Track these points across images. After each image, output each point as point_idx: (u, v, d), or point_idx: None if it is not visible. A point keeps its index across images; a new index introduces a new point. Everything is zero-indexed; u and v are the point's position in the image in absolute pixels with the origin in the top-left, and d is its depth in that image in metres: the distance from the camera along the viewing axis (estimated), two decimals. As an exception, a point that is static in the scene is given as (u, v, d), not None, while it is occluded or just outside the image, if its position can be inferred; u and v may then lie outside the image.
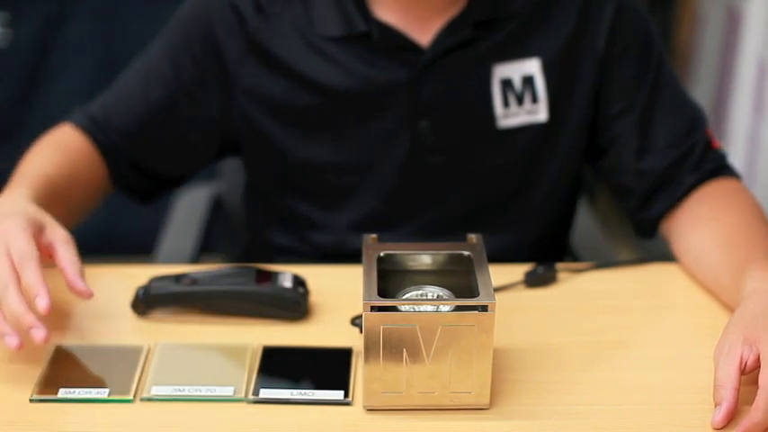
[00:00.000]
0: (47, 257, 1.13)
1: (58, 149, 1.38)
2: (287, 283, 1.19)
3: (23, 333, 1.05)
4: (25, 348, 1.14)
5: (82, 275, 1.12)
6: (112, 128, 1.41)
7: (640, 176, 1.37)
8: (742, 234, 1.24)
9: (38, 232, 1.13)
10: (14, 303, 1.05)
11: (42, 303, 1.05)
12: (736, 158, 2.74)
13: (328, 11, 1.33)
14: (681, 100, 1.41)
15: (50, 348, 1.13)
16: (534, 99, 1.36)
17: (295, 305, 1.18)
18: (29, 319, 1.04)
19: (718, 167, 1.37)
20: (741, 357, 1.03)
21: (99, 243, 2.53)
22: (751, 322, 1.06)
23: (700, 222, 1.30)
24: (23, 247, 1.08)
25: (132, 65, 1.46)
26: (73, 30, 2.50)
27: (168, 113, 1.41)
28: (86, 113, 1.43)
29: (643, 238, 1.42)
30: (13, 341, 1.05)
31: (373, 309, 0.99)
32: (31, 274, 1.07)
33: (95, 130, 1.41)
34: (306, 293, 1.20)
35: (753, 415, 1.00)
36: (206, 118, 1.41)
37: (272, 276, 1.20)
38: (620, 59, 1.37)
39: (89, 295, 1.12)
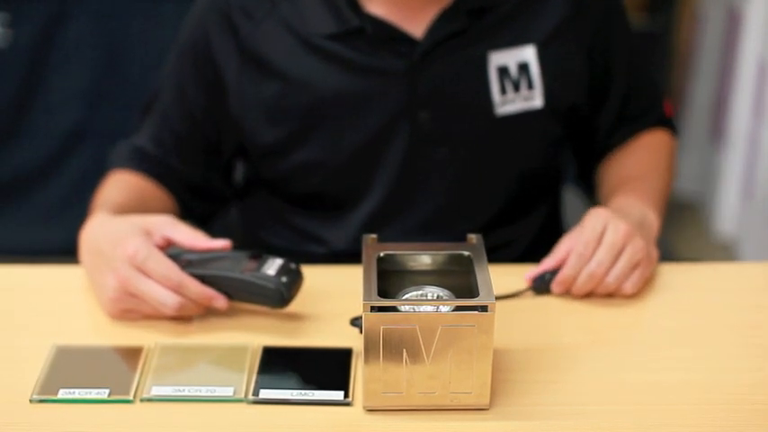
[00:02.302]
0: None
1: (122, 185, 1.40)
2: (271, 270, 1.17)
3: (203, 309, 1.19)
4: (25, 348, 1.14)
5: (206, 239, 1.21)
6: (158, 159, 1.43)
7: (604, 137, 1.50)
8: (640, 175, 1.43)
9: (150, 238, 1.19)
10: (196, 292, 1.16)
11: (221, 303, 1.17)
12: (736, 158, 2.74)
13: (318, 9, 1.34)
14: (645, 63, 1.52)
15: (50, 348, 1.13)
16: (530, 85, 1.37)
17: (275, 294, 1.16)
18: (209, 293, 1.17)
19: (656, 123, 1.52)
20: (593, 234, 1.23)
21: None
22: (612, 211, 1.27)
23: (615, 162, 1.49)
24: (169, 272, 1.16)
25: (152, 96, 1.47)
26: (73, 30, 2.49)
27: (196, 135, 1.43)
28: (127, 154, 1.44)
29: (585, 190, 1.58)
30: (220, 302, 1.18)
31: (373, 309, 0.99)
32: (192, 291, 1.16)
33: (145, 164, 1.43)
34: (290, 282, 1.17)
35: (564, 271, 1.22)
36: (228, 126, 1.42)
37: (258, 262, 1.18)
38: (603, 31, 1.41)
39: (228, 246, 1.21)
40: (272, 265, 1.17)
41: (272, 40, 1.35)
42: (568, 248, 1.24)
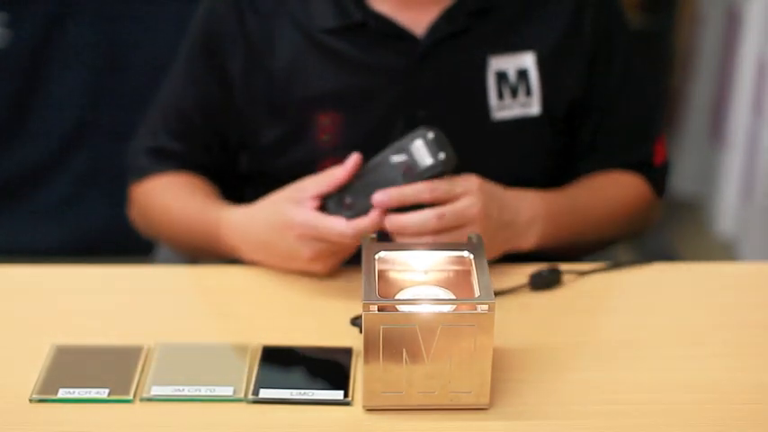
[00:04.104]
0: None
1: (182, 188, 1.42)
2: (427, 159, 1.19)
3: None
4: (25, 348, 1.14)
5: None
6: (182, 154, 1.44)
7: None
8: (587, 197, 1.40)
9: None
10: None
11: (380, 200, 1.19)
12: (735, 158, 2.74)
13: (324, 4, 1.35)
14: (642, 98, 1.48)
15: (50, 348, 1.13)
16: (528, 92, 1.37)
17: (448, 170, 1.19)
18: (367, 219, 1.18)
19: (639, 166, 1.46)
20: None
21: (99, 243, 2.54)
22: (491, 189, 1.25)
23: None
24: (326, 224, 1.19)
25: (162, 93, 1.47)
26: (73, 29, 2.49)
27: (209, 125, 1.44)
28: (151, 159, 1.44)
29: None
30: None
31: (373, 309, 0.99)
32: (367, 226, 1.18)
33: (172, 162, 1.44)
34: (448, 152, 1.19)
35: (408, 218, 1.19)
36: (234, 120, 1.42)
37: (407, 156, 1.19)
38: (603, 50, 1.41)
39: (358, 159, 1.22)
40: (420, 151, 1.19)
41: (278, 35, 1.36)
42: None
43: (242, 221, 1.29)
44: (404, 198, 1.20)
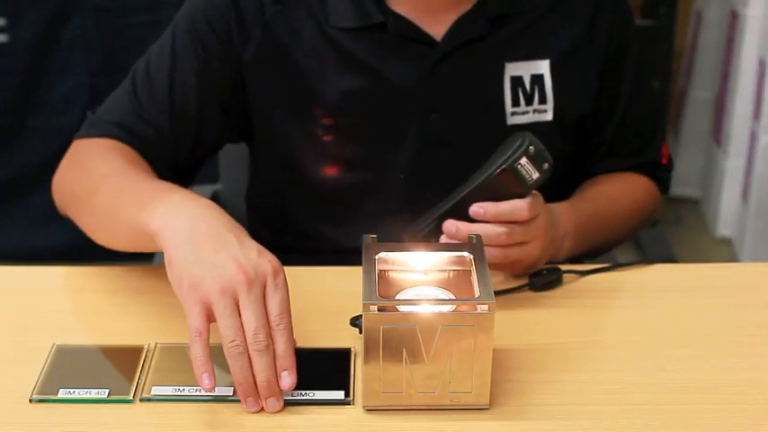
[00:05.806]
0: None
1: (121, 156, 1.33)
2: (534, 174, 1.18)
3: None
4: (25, 348, 1.14)
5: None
6: (147, 134, 1.37)
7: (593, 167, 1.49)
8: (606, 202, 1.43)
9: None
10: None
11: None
12: (736, 158, 2.75)
13: (343, 2, 1.34)
14: (650, 103, 1.51)
15: (50, 348, 1.13)
16: (542, 99, 1.37)
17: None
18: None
19: (648, 166, 1.50)
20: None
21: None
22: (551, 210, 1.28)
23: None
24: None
25: (147, 63, 1.44)
26: (73, 29, 2.50)
27: (197, 112, 1.38)
28: (110, 123, 1.38)
29: None
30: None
31: (373, 309, 0.99)
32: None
33: (131, 138, 1.36)
34: (543, 171, 1.18)
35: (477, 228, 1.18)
36: (230, 108, 1.39)
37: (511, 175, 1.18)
38: (616, 60, 1.42)
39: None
40: (527, 167, 1.18)
41: (294, 29, 1.34)
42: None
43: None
44: (501, 217, 1.19)
